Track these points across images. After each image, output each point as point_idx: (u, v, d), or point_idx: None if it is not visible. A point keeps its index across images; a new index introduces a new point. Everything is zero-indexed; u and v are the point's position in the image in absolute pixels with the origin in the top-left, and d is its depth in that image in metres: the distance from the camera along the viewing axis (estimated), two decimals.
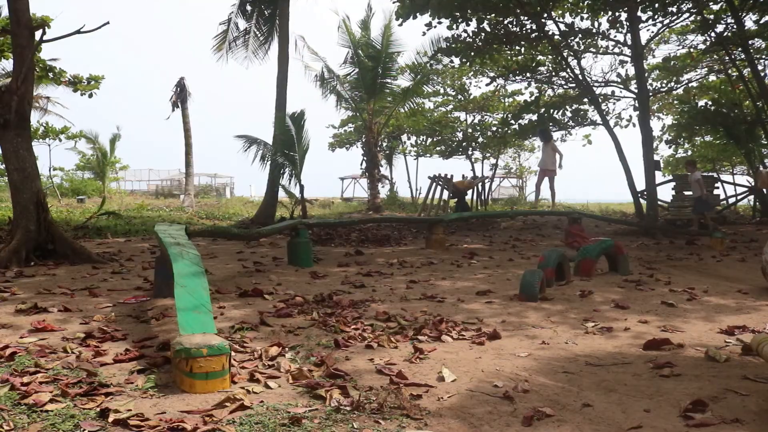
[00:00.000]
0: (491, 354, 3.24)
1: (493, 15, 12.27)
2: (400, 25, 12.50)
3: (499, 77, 14.93)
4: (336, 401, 2.39)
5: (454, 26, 12.45)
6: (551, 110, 14.21)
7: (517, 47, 13.71)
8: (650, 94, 14.20)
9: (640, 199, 12.86)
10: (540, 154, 14.40)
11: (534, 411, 2.33)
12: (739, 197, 16.18)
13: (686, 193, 12.80)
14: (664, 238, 10.80)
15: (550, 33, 12.78)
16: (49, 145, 23.51)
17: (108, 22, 7.27)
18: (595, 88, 13.66)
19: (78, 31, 7.22)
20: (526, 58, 14.35)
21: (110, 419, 2.17)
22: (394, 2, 12.33)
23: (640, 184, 12.38)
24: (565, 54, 13.16)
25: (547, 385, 2.70)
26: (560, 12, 13.12)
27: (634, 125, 16.41)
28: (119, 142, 31.34)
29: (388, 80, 18.36)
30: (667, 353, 3.29)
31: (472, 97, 21.18)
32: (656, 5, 11.44)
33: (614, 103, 15.21)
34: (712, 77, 16.75)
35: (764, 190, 14.38)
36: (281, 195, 14.26)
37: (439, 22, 12.29)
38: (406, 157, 26.16)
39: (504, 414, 2.34)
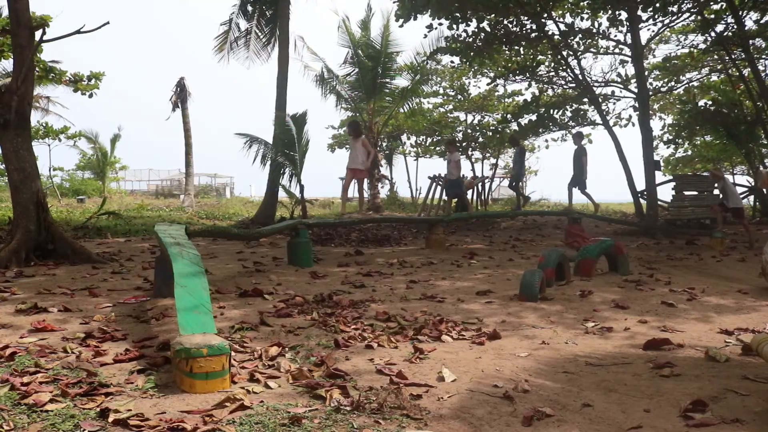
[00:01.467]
0: (491, 354, 3.24)
1: (493, 15, 12.27)
2: (401, 26, 12.51)
3: (499, 77, 14.94)
4: (336, 401, 2.39)
5: (454, 26, 12.45)
6: (551, 110, 14.22)
7: (517, 47, 13.72)
8: (650, 94, 14.20)
9: (640, 199, 12.87)
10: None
11: (534, 411, 2.33)
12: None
13: (686, 192, 12.80)
14: (664, 238, 10.80)
15: (550, 33, 12.78)
16: (49, 145, 23.53)
17: (108, 22, 7.27)
18: (595, 88, 13.66)
19: (78, 31, 7.22)
20: (526, 58, 14.35)
21: (110, 419, 2.17)
22: (394, 2, 12.33)
23: (640, 184, 12.39)
24: (565, 54, 13.17)
25: (547, 385, 2.69)
26: (560, 12, 13.13)
27: (633, 125, 16.43)
28: (119, 142, 31.40)
29: (388, 80, 18.36)
30: (667, 353, 3.29)
31: (471, 96, 21.20)
32: (656, 5, 11.45)
33: (614, 103, 15.22)
34: (713, 77, 16.77)
35: (764, 190, 14.39)
36: (281, 195, 14.26)
37: (440, 23, 12.30)
38: (406, 157, 26.19)
39: (504, 414, 2.34)
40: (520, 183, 12.84)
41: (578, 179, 11.85)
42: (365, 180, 11.34)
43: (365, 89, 18.17)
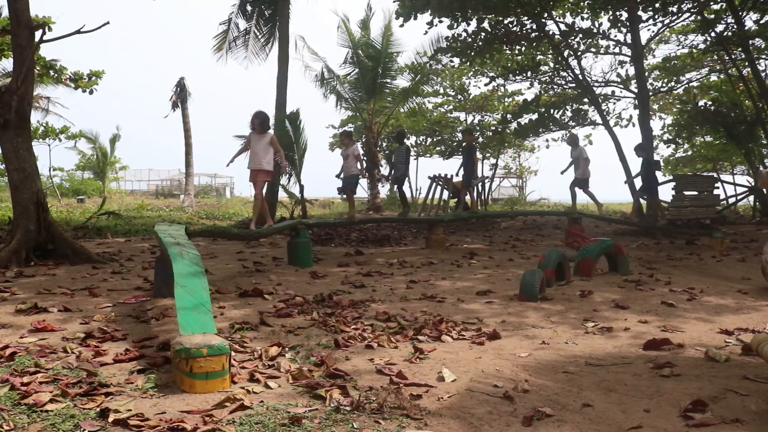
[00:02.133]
0: (491, 354, 3.24)
1: (493, 15, 12.28)
2: (401, 25, 12.52)
3: (498, 77, 14.94)
4: (336, 401, 2.39)
5: (455, 26, 12.46)
6: (551, 110, 14.22)
7: (518, 47, 13.72)
8: (650, 94, 14.20)
9: (640, 199, 12.86)
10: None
11: (534, 411, 2.33)
12: (739, 197, 16.19)
13: (686, 193, 12.78)
14: (664, 238, 10.80)
15: (550, 33, 12.79)
16: (49, 145, 23.52)
17: (108, 22, 7.27)
18: (595, 88, 13.66)
19: (78, 31, 7.23)
20: (526, 58, 14.36)
21: (110, 419, 2.17)
22: (394, 2, 12.34)
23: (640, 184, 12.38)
24: (565, 54, 13.17)
25: (547, 385, 2.69)
26: (560, 12, 13.14)
27: (633, 125, 16.44)
28: (119, 142, 31.43)
29: (388, 80, 18.39)
30: (667, 353, 3.29)
31: (471, 97, 21.21)
32: (656, 5, 11.45)
33: (614, 103, 15.23)
34: (713, 77, 16.77)
35: (764, 190, 14.38)
36: (281, 195, 14.27)
37: (440, 21, 12.30)
38: None
39: (504, 414, 2.34)
40: (405, 182, 11.26)
41: (470, 175, 11.40)
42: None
43: (365, 89, 18.19)
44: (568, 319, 4.19)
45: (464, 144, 11.53)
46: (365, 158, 19.69)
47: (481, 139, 19.64)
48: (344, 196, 11.22)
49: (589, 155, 11.30)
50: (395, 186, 11.27)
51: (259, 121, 7.69)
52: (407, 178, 11.95)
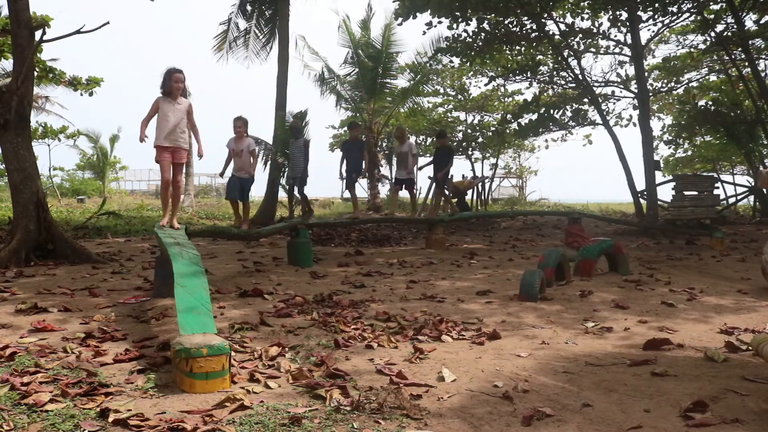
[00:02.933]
0: (491, 354, 3.24)
1: (493, 15, 12.27)
2: (400, 24, 12.51)
3: (498, 77, 14.95)
4: (336, 401, 2.39)
5: (455, 26, 12.46)
6: (551, 110, 14.22)
7: (518, 47, 13.72)
8: (650, 94, 14.20)
9: (640, 199, 12.87)
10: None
11: (534, 411, 2.33)
12: (739, 197, 16.19)
13: (686, 193, 12.79)
14: (664, 238, 10.80)
15: (550, 33, 12.79)
16: (48, 145, 23.49)
17: (108, 22, 7.27)
18: (595, 88, 13.66)
19: (78, 31, 7.22)
20: (526, 58, 14.36)
21: (110, 419, 2.17)
22: (394, 1, 12.34)
23: (640, 184, 12.40)
24: (565, 54, 13.17)
25: (547, 385, 2.69)
26: (560, 12, 13.13)
27: (634, 125, 16.44)
28: (119, 142, 31.44)
29: (388, 80, 18.38)
30: (667, 353, 3.29)
31: (471, 96, 21.20)
32: (656, 5, 11.44)
33: (614, 103, 15.22)
34: (713, 77, 16.76)
35: (764, 190, 14.38)
36: (281, 195, 14.26)
37: (440, 22, 12.30)
38: None
39: (504, 414, 2.34)
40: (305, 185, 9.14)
41: (358, 173, 9.30)
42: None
43: (366, 89, 18.19)
44: (567, 319, 4.19)
45: (349, 139, 9.36)
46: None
47: (481, 139, 19.62)
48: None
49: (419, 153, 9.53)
50: (294, 188, 8.94)
51: (175, 79, 5.50)
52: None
